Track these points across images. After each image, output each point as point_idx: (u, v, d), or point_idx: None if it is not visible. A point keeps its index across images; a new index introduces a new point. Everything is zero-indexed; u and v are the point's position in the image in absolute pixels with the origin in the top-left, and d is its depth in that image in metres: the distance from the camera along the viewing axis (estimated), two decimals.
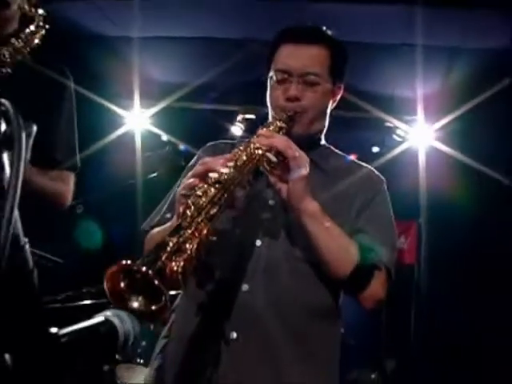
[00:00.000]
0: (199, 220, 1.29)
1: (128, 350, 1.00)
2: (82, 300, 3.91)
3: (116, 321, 0.96)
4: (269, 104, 1.75)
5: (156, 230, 1.73)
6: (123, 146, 5.12)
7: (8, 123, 0.83)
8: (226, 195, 1.37)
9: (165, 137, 5.43)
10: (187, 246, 1.23)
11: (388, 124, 5.09)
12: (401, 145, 5.13)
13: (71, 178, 2.04)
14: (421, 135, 5.10)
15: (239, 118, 5.23)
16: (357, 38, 3.73)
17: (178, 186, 1.78)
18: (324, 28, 1.76)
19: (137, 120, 5.41)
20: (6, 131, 0.83)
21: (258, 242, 1.63)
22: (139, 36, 4.44)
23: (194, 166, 1.75)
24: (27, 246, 0.89)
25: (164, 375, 1.67)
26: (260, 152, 1.49)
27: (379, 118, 4.95)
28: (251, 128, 5.16)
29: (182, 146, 5.18)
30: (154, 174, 4.78)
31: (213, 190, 1.36)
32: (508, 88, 4.14)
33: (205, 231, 1.28)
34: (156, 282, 1.11)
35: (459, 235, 4.86)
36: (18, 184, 0.79)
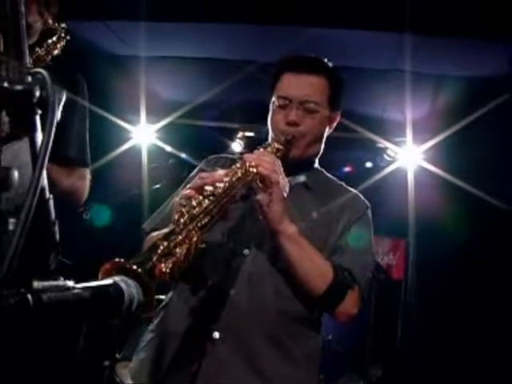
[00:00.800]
0: (191, 227, 1.36)
1: (131, 313, 1.03)
2: None
3: (123, 285, 0.99)
4: (269, 126, 1.84)
5: (155, 233, 1.79)
6: (130, 159, 5.24)
7: (43, 89, 0.89)
8: (218, 207, 1.46)
9: (169, 149, 5.57)
10: (177, 250, 1.29)
11: (379, 145, 5.25)
12: (391, 164, 5.26)
13: (86, 174, 2.14)
14: (409, 156, 5.24)
15: (239, 135, 5.42)
16: (349, 62, 3.90)
17: (178, 193, 1.86)
18: (324, 59, 1.87)
19: (143, 135, 5.54)
20: (41, 94, 0.89)
21: (246, 252, 1.71)
22: (147, 55, 4.60)
23: (194, 175, 1.86)
24: (51, 201, 0.91)
25: (149, 367, 1.71)
26: (254, 170, 1.57)
27: (370, 139, 5.07)
28: (250, 145, 5.28)
29: (183, 155, 5.35)
30: (158, 186, 4.98)
31: (206, 201, 1.45)
32: (493, 111, 4.26)
33: (195, 238, 1.35)
34: (145, 280, 1.13)
35: (447, 253, 4.96)
36: (49, 144, 0.86)
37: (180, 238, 1.32)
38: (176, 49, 4.56)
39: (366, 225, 1.84)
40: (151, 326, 1.82)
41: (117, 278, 1.01)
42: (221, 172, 1.58)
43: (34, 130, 0.89)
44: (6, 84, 0.88)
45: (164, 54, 4.64)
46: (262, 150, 1.71)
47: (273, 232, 1.63)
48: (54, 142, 1.96)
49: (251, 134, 5.37)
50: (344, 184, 1.93)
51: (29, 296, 0.74)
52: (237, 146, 5.51)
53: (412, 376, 5.12)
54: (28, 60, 0.92)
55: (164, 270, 1.23)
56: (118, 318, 1.02)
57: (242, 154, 2.02)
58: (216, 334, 1.64)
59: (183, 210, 1.42)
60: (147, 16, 3.86)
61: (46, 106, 0.88)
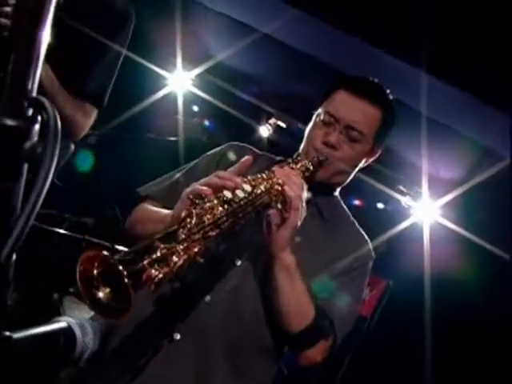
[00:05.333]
0: (195, 237, 1.24)
1: (82, 362, 0.96)
2: (60, 225, 4.00)
3: (77, 332, 0.91)
4: (305, 137, 1.75)
5: (150, 207, 1.73)
6: (163, 107, 5.03)
7: (43, 137, 0.67)
8: (230, 221, 1.33)
9: (196, 108, 5.38)
10: (174, 258, 1.18)
11: (400, 187, 5.09)
12: (403, 212, 5.12)
13: (93, 113, 2.04)
14: (425, 210, 5.05)
15: (271, 121, 5.22)
16: (408, 101, 3.71)
17: (187, 169, 1.82)
18: (387, 90, 1.75)
19: (179, 81, 5.23)
20: (37, 148, 0.66)
21: (238, 262, 1.63)
22: (211, 7, 4.36)
23: (213, 156, 1.82)
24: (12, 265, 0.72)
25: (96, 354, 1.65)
26: (279, 189, 1.46)
27: (392, 181, 4.95)
28: (278, 133, 5.23)
29: (207, 122, 5.18)
30: (173, 139, 4.85)
31: (220, 209, 1.32)
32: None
33: (196, 249, 1.24)
34: (127, 283, 1.06)
35: (463, 310, 4.83)
36: (33, 213, 0.64)
37: (181, 247, 1.20)
38: (242, 13, 4.29)
39: (363, 276, 1.76)
40: None
41: (73, 321, 0.92)
42: (244, 178, 1.45)
43: (11, 186, 0.67)
44: None
45: (228, 13, 4.37)
46: (292, 166, 1.60)
47: (271, 255, 1.52)
48: (77, 70, 1.82)
49: (283, 124, 5.18)
50: (356, 223, 1.83)
51: None
52: (264, 130, 5.32)
53: None
54: (34, 85, 0.67)
55: (153, 277, 1.12)
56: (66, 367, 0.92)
57: (269, 153, 1.92)
58: (177, 335, 1.56)
59: (193, 210, 1.29)
60: None
61: (38, 164, 0.64)
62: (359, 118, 1.66)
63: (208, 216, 1.28)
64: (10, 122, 0.65)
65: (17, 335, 0.76)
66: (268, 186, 1.45)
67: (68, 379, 1.61)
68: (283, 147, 4.74)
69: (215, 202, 1.33)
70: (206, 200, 1.33)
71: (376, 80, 1.76)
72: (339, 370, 5.25)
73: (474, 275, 4.82)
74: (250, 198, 1.39)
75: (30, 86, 0.67)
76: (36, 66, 0.67)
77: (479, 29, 3.02)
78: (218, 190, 1.37)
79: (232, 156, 1.81)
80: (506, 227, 4.34)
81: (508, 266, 4.30)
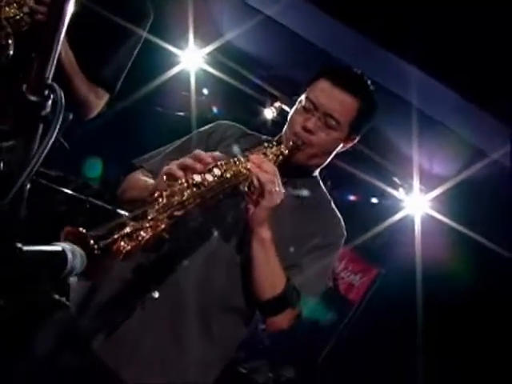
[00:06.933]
0: (161, 217, 1.39)
1: (69, 278, 1.15)
2: (68, 185, 4.21)
3: (69, 255, 1.04)
4: (287, 122, 1.84)
5: (139, 175, 1.86)
6: (175, 84, 5.13)
7: (51, 108, 1.02)
8: (197, 201, 1.48)
9: (206, 90, 5.50)
10: (142, 233, 1.33)
11: (395, 179, 5.20)
12: (395, 205, 5.21)
13: (105, 97, 2.16)
14: (417, 203, 5.16)
15: (277, 104, 5.35)
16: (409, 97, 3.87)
17: (179, 144, 1.95)
18: (368, 81, 1.84)
19: (191, 59, 5.27)
20: (47, 114, 1.01)
21: (215, 233, 1.77)
22: None
23: (203, 133, 1.95)
24: None
25: (78, 307, 1.78)
26: (247, 173, 1.60)
27: (391, 173, 5.08)
28: (282, 117, 5.28)
29: (215, 109, 5.36)
30: (182, 114, 4.98)
31: (189, 192, 1.46)
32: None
33: (162, 226, 1.38)
34: (96, 254, 1.16)
35: (454, 300, 4.94)
36: (38, 160, 0.97)
37: (148, 224, 1.35)
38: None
39: (333, 254, 1.89)
40: None
41: (67, 247, 1.07)
42: (217, 158, 1.58)
43: (32, 137, 1.00)
44: (24, 90, 1.00)
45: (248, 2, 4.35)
46: (266, 151, 1.74)
47: (249, 230, 1.67)
48: (95, 57, 2.01)
49: (288, 108, 5.30)
50: (332, 202, 1.96)
51: None
52: (269, 112, 5.46)
53: None
54: (49, 73, 1.02)
55: (122, 249, 1.27)
56: (52, 282, 1.11)
57: (252, 135, 2.03)
58: (156, 294, 1.72)
59: (163, 192, 1.44)
60: None
61: (48, 125, 1.00)
62: (336, 107, 1.74)
63: (176, 198, 1.44)
64: (33, 98, 1.01)
65: (25, 248, 0.96)
66: (237, 170, 1.59)
67: (61, 323, 1.81)
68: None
69: (185, 184, 1.48)
70: (177, 183, 1.48)
71: (358, 71, 1.85)
72: (322, 351, 5.43)
73: (461, 263, 4.95)
74: (219, 181, 1.54)
75: (47, 75, 1.03)
76: (56, 50, 1.03)
77: (475, 33, 3.08)
78: (190, 170, 1.51)
79: (221, 134, 1.95)
80: (491, 218, 4.48)
81: (494, 255, 4.45)
